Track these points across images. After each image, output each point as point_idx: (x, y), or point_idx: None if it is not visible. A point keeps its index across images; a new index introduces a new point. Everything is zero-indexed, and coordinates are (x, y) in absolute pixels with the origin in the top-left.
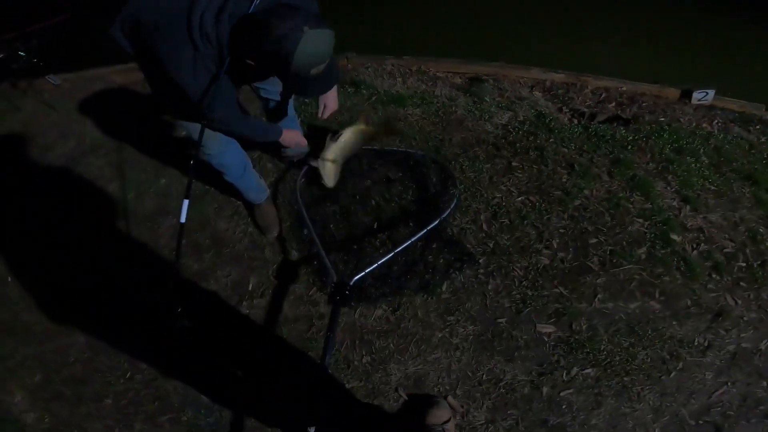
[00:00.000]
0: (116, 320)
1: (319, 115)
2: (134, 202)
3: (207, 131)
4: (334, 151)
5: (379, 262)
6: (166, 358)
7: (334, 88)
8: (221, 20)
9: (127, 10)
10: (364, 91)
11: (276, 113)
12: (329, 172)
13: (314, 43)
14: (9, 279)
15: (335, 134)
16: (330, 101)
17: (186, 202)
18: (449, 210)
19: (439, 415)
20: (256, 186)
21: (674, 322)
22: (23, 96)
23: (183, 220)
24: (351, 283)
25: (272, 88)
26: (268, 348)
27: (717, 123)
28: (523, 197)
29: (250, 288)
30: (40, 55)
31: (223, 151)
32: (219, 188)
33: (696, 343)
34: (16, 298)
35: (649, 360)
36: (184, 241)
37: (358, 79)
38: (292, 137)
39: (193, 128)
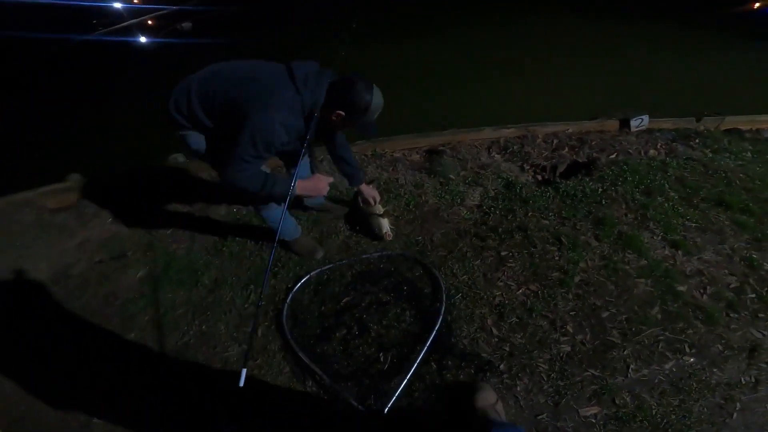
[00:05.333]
0: None
1: (373, 203)
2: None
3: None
4: (377, 207)
5: (402, 386)
6: None
7: (370, 187)
8: (321, 80)
9: (199, 82)
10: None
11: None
12: (386, 225)
13: (378, 96)
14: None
15: (360, 199)
16: (373, 193)
17: (244, 370)
18: (437, 327)
19: (487, 397)
20: (293, 227)
21: (714, 369)
22: None
23: (242, 383)
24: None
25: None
26: None
27: (661, 146)
28: (523, 288)
29: None
30: None
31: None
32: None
33: (743, 382)
34: None
35: (706, 410)
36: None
37: None
38: (309, 185)
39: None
